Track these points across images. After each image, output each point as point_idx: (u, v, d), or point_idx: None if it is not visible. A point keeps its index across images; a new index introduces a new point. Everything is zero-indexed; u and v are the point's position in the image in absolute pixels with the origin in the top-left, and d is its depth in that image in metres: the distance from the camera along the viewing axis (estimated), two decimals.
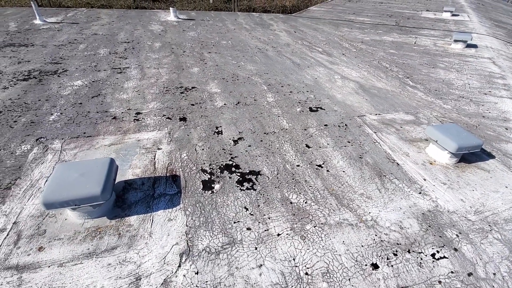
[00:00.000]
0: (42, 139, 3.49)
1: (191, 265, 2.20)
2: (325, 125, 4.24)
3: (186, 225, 2.52)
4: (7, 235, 2.36)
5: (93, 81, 5.04)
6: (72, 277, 2.07)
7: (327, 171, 3.31)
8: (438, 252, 2.45)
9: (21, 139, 3.48)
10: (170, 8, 9.88)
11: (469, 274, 2.31)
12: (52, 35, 7.29)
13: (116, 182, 2.81)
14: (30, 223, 2.47)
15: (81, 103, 4.33)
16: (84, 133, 3.65)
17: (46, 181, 2.87)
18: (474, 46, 8.81)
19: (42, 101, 4.32)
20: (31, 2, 8.20)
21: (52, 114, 4.01)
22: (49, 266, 2.13)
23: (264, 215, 2.69)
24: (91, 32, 7.78)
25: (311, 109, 4.64)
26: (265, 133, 3.94)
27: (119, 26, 8.52)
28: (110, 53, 6.38)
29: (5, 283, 2.00)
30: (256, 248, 2.37)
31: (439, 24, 11.60)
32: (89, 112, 4.12)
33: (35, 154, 3.24)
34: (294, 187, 3.04)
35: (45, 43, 6.69)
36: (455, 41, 8.59)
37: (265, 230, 2.54)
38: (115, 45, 6.91)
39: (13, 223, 2.46)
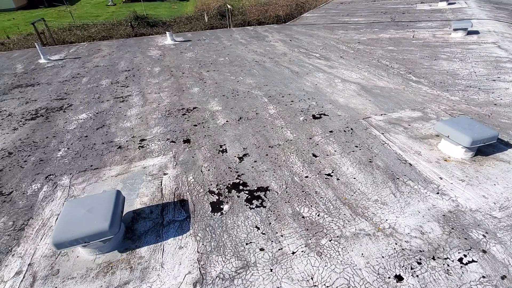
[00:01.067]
0: (51, 176, 3.54)
1: None
2: (330, 131, 4.16)
3: (198, 252, 2.46)
4: (23, 277, 2.36)
5: (97, 113, 5.14)
6: None
7: (337, 179, 3.21)
8: (465, 256, 2.30)
9: (32, 178, 3.54)
10: (167, 32, 10.14)
11: (503, 277, 2.15)
12: (56, 72, 7.56)
13: (124, 213, 2.80)
14: (44, 264, 2.46)
15: (86, 136, 4.40)
16: (91, 165, 3.68)
17: (57, 219, 2.88)
18: (476, 32, 8.62)
19: (49, 138, 4.41)
20: (35, 44, 8.57)
21: (59, 150, 4.08)
22: None
23: (277, 233, 2.60)
24: (92, 64, 8.02)
25: (314, 117, 4.58)
26: (270, 146, 3.89)
27: (119, 55, 8.77)
28: (112, 83, 6.53)
29: None
30: (271, 270, 2.28)
31: (436, 15, 11.47)
32: (94, 144, 4.18)
33: (45, 192, 3.27)
34: (304, 200, 2.95)
35: (50, 81, 6.92)
36: (455, 30, 8.43)
37: (279, 249, 2.45)
38: (116, 75, 7.08)
39: (28, 265, 2.46)
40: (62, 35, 15.58)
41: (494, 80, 5.49)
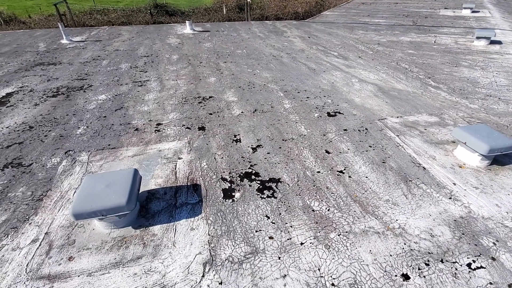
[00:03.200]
0: (70, 152, 3.66)
1: (214, 275, 2.20)
2: (345, 129, 4.16)
3: (209, 234, 2.53)
4: (40, 245, 2.46)
5: (116, 95, 5.25)
6: (100, 286, 2.12)
7: (349, 177, 3.22)
8: (474, 261, 2.30)
9: (51, 152, 3.66)
10: (186, 21, 10.20)
11: (510, 286, 2.14)
12: (77, 53, 7.72)
13: (139, 192, 2.88)
14: (61, 233, 2.56)
15: (105, 116, 4.51)
16: (109, 145, 3.79)
17: (75, 192, 2.99)
18: (499, 42, 8.41)
19: (69, 116, 4.55)
20: (58, 24, 8.75)
21: (79, 128, 4.21)
22: (78, 276, 2.20)
23: (286, 223, 2.65)
24: (113, 48, 8.16)
25: (329, 114, 4.58)
26: (283, 140, 3.92)
27: (138, 41, 8.89)
28: (131, 67, 6.65)
29: None
30: (279, 258, 2.33)
31: (459, 22, 11.20)
32: (113, 124, 4.28)
33: (64, 167, 3.39)
34: (315, 194, 2.98)
35: (72, 61, 7.08)
36: (478, 38, 8.24)
37: (288, 239, 2.49)
38: (135, 60, 7.19)
39: (45, 234, 2.56)
40: (82, 18, 15.80)
41: None
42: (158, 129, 4.16)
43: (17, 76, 6.17)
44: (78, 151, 3.67)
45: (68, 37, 8.69)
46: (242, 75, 6.21)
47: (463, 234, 2.54)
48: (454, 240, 2.48)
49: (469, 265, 2.28)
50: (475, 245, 2.44)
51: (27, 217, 2.75)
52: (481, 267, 2.27)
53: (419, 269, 2.25)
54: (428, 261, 2.31)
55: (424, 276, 2.19)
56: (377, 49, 8.23)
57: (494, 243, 2.46)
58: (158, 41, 8.87)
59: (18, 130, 4.16)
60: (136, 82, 5.84)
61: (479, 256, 2.35)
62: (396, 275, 2.20)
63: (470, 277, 2.19)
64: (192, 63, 7.00)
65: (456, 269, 2.25)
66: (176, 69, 6.54)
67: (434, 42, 8.68)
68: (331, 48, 8.29)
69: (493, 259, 2.33)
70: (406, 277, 2.20)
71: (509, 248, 2.41)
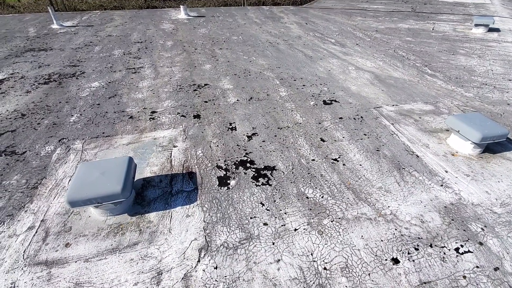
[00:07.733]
0: (64, 140, 3.63)
1: (210, 260, 2.24)
2: (340, 118, 4.16)
3: (204, 221, 2.56)
4: (36, 232, 2.48)
5: (109, 82, 5.17)
6: (98, 271, 2.16)
7: (343, 164, 3.26)
8: (462, 246, 2.37)
9: (45, 140, 3.63)
10: (181, 6, 9.94)
11: (496, 269, 2.22)
12: (69, 38, 7.52)
13: (135, 180, 2.89)
14: (57, 221, 2.58)
15: (99, 104, 4.45)
16: (103, 133, 3.76)
17: (70, 180, 2.99)
18: (497, 30, 8.35)
19: (62, 103, 4.48)
20: (48, 8, 8.47)
21: (72, 115, 4.16)
22: (76, 262, 2.23)
23: (281, 210, 2.69)
24: (105, 33, 7.95)
25: (325, 102, 4.57)
26: (279, 128, 3.92)
27: (132, 26, 8.67)
28: (124, 54, 6.51)
29: (35, 278, 2.12)
30: (273, 243, 2.38)
31: (459, 8, 11.05)
32: (106, 112, 4.24)
33: (58, 155, 3.37)
34: (310, 182, 3.01)
35: (63, 47, 6.91)
36: (476, 25, 8.17)
37: (282, 225, 2.54)
38: (128, 46, 7.04)
39: (41, 221, 2.58)
40: (73, 2, 15.30)
41: (510, 80, 5.38)
42: (153, 117, 4.13)
43: (7, 63, 6.02)
44: (72, 139, 3.64)
45: (58, 22, 8.44)
46: (237, 62, 6.13)
47: (452, 220, 2.60)
48: (443, 225, 2.55)
49: (457, 249, 2.35)
50: (464, 230, 2.51)
51: (22, 204, 2.75)
52: (469, 251, 2.34)
53: (408, 253, 2.32)
54: (418, 245, 2.38)
55: (413, 260, 2.26)
56: (375, 36, 8.13)
57: (482, 229, 2.53)
58: (152, 27, 8.66)
59: (10, 118, 4.11)
60: (129, 69, 5.74)
61: (467, 241, 2.42)
62: (386, 259, 2.27)
63: (458, 261, 2.27)
64: (187, 49, 6.87)
65: (444, 253, 2.32)
66: (170, 56, 6.43)
67: (433, 29, 8.59)
68: (328, 35, 8.17)
69: (481, 243, 2.41)
70: (396, 261, 2.26)
71: (496, 233, 2.49)
